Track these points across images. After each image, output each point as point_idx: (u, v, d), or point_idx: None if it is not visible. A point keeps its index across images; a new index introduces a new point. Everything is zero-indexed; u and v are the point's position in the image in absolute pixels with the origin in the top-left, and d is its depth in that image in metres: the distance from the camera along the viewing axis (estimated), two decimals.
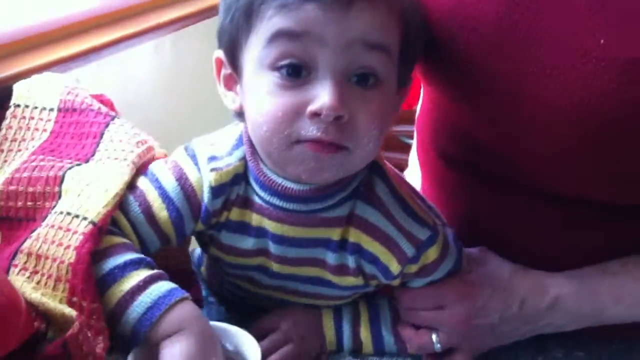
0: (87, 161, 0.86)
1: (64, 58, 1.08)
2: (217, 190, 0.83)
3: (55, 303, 0.72)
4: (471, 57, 0.84)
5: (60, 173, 0.83)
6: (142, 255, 0.79)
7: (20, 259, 0.77)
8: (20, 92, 0.95)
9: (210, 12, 1.33)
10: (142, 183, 0.84)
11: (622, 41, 0.75)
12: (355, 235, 0.83)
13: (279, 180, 0.81)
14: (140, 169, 0.86)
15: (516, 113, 0.83)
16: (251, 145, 0.82)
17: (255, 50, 0.76)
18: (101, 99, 0.97)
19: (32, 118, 0.93)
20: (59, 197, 0.82)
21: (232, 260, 0.88)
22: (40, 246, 0.77)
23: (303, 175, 0.78)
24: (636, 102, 0.74)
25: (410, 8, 0.79)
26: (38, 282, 0.75)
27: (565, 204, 0.86)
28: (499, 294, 0.88)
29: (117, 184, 0.82)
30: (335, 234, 0.83)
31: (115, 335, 0.74)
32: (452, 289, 0.88)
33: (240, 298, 0.94)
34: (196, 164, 0.84)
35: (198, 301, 0.95)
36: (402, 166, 1.20)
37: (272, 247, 0.85)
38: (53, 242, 0.77)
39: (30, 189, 0.83)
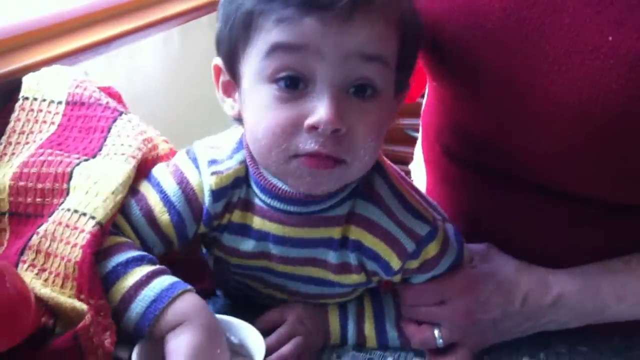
0: (94, 156, 0.87)
1: (73, 50, 1.07)
2: (217, 194, 0.84)
3: (65, 297, 0.73)
4: (478, 53, 0.84)
5: (69, 169, 0.84)
6: (144, 252, 0.80)
7: (28, 256, 0.78)
8: (29, 84, 0.96)
9: (218, 4, 1.33)
10: (144, 187, 0.85)
11: (630, 38, 0.75)
12: (355, 233, 0.84)
13: (279, 184, 0.82)
14: (144, 168, 0.87)
15: (522, 110, 0.83)
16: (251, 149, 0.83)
17: (254, 62, 0.76)
18: (109, 91, 0.97)
19: (41, 111, 0.94)
20: (67, 193, 0.82)
21: (235, 262, 0.89)
22: (49, 244, 0.78)
23: (301, 188, 0.79)
24: None
25: (408, 15, 0.79)
26: (46, 280, 0.76)
27: (569, 201, 0.86)
28: (501, 290, 0.88)
29: (123, 185, 0.83)
30: (336, 233, 0.84)
31: (121, 331, 0.75)
32: (454, 283, 0.88)
33: (246, 294, 0.95)
34: (197, 167, 0.85)
35: (210, 291, 0.96)
36: (408, 159, 1.20)
37: (274, 249, 0.85)
38: (61, 240, 0.77)
39: (40, 185, 0.83)
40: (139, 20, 1.23)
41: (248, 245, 0.86)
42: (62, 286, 0.75)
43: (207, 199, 0.84)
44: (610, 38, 0.75)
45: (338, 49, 0.73)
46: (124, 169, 0.84)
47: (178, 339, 0.74)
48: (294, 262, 0.86)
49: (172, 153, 0.93)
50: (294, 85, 0.74)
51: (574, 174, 0.83)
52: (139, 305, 0.75)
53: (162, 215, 0.83)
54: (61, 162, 0.85)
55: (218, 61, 0.82)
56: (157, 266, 0.79)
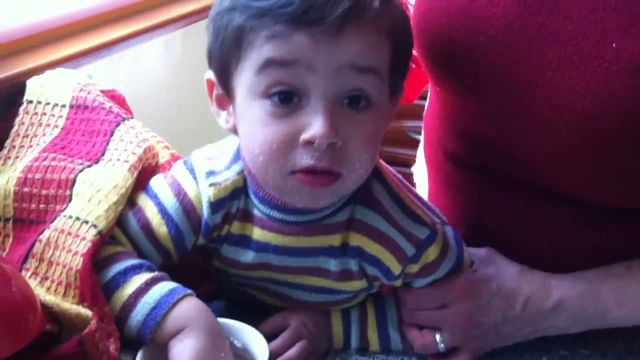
0: (97, 161, 0.87)
1: (77, 53, 1.07)
2: (216, 205, 0.83)
3: (70, 304, 0.73)
4: (480, 59, 0.84)
5: (72, 176, 0.84)
6: (143, 260, 0.80)
7: (31, 263, 0.78)
8: (33, 88, 0.96)
9: None
10: (142, 199, 0.85)
11: (634, 44, 0.75)
12: (356, 239, 0.84)
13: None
14: (143, 177, 0.87)
15: (524, 115, 0.83)
16: None
17: (246, 77, 0.76)
18: (113, 94, 0.97)
19: (44, 114, 0.94)
20: (70, 200, 0.82)
21: (235, 272, 0.89)
22: (52, 252, 0.78)
23: (299, 204, 0.80)
24: None
25: (400, 23, 0.78)
26: (49, 288, 0.76)
27: (571, 204, 0.86)
28: (502, 294, 0.88)
29: (124, 195, 0.83)
30: (336, 240, 0.84)
31: (124, 337, 0.75)
32: (455, 287, 0.88)
33: (248, 298, 0.95)
34: (195, 178, 0.84)
35: (212, 293, 0.95)
36: (410, 162, 1.20)
37: (274, 259, 0.85)
38: (63, 248, 0.78)
39: (44, 192, 0.84)
40: (141, 23, 1.23)
41: (248, 256, 0.86)
42: (64, 294, 0.75)
43: (205, 210, 0.83)
44: (614, 45, 0.75)
45: (330, 63, 0.73)
46: (126, 178, 0.84)
47: (181, 344, 0.74)
48: (295, 272, 0.86)
49: (173, 159, 0.93)
50: (287, 99, 0.74)
51: (576, 178, 0.83)
52: (139, 313, 0.75)
53: (160, 227, 0.83)
54: (64, 167, 0.85)
55: (210, 75, 0.82)
56: (156, 273, 0.79)
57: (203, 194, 0.83)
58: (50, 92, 0.95)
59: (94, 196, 0.81)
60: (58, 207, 0.82)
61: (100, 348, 0.71)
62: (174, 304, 0.76)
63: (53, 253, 0.78)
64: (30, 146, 0.91)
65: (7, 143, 0.93)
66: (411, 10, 1.06)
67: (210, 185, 0.83)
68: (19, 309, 0.68)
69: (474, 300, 0.88)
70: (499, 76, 0.84)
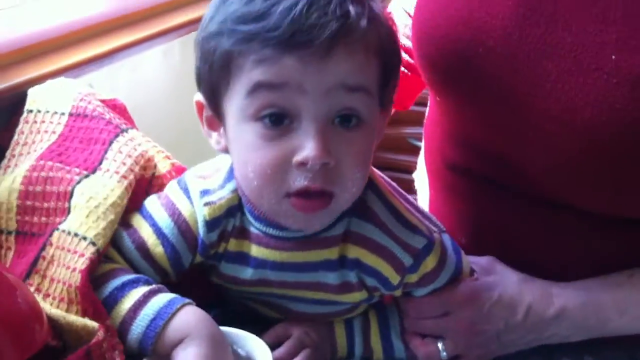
0: (94, 170, 0.86)
1: (77, 63, 1.07)
2: (211, 224, 0.83)
3: (76, 317, 0.74)
4: (479, 70, 0.84)
5: (69, 188, 0.84)
6: (140, 275, 0.80)
7: (34, 279, 0.78)
8: (34, 97, 0.96)
9: None
10: (136, 220, 0.85)
11: (634, 56, 0.75)
12: (353, 251, 0.84)
13: None
14: (138, 190, 0.87)
15: (523, 126, 0.83)
16: None
17: (236, 101, 0.75)
18: (114, 103, 0.98)
19: (43, 122, 0.93)
20: (68, 212, 0.82)
21: (236, 288, 0.89)
22: (54, 269, 0.78)
23: (293, 226, 0.80)
24: None
25: (386, 39, 0.78)
26: (51, 305, 0.76)
27: (571, 213, 0.86)
28: (504, 301, 0.88)
29: (120, 212, 0.83)
30: (332, 254, 0.84)
31: (126, 353, 0.75)
32: (456, 295, 0.88)
33: (250, 314, 0.95)
34: (189, 197, 0.84)
35: (213, 300, 0.95)
36: (411, 168, 1.20)
37: (272, 275, 0.85)
38: (63, 265, 0.78)
39: (45, 205, 0.84)
40: (140, 32, 1.23)
41: (246, 273, 0.86)
42: (67, 311, 0.75)
43: (201, 229, 0.83)
44: (614, 57, 0.75)
45: (320, 84, 0.73)
46: (122, 195, 0.84)
47: (184, 353, 0.74)
48: (295, 286, 0.86)
49: (174, 169, 0.93)
50: (278, 121, 0.74)
51: (576, 189, 0.84)
52: (139, 325, 0.75)
53: (156, 247, 0.83)
54: (62, 178, 0.85)
55: (199, 97, 0.82)
56: (154, 286, 0.79)
57: (198, 213, 0.83)
58: (50, 101, 0.95)
59: (92, 212, 0.81)
60: (57, 220, 0.82)
61: (107, 358, 0.71)
62: (174, 314, 0.76)
63: (55, 270, 0.78)
64: (29, 153, 0.91)
65: (8, 152, 0.93)
66: (408, 21, 1.07)
67: (205, 204, 0.83)
68: (24, 319, 0.68)
69: (476, 308, 0.88)
70: (498, 87, 0.84)
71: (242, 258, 0.85)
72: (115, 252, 0.83)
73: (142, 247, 0.83)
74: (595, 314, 0.87)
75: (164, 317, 0.75)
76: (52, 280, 0.77)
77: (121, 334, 0.76)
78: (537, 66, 0.80)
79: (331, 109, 0.74)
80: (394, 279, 0.84)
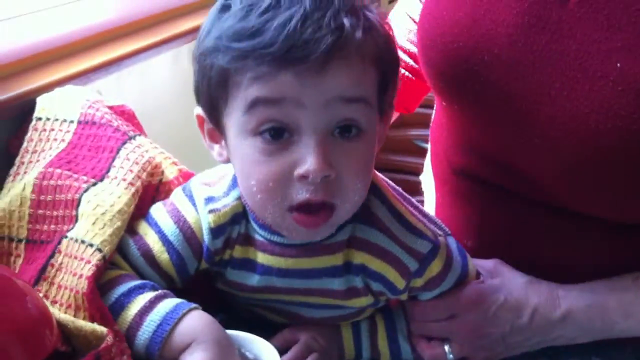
0: (102, 178, 0.87)
1: (85, 70, 1.08)
2: (216, 231, 0.84)
3: (85, 322, 0.74)
4: (485, 77, 0.84)
5: (77, 196, 0.85)
6: (146, 281, 0.81)
7: (42, 286, 0.79)
8: (43, 105, 0.96)
9: None
10: (142, 227, 0.85)
11: (639, 64, 0.75)
12: (358, 257, 0.84)
13: None
14: (145, 196, 0.88)
15: (528, 133, 0.83)
16: None
17: (236, 116, 0.76)
18: (123, 109, 0.98)
19: (52, 130, 0.94)
20: (76, 220, 0.83)
21: (242, 295, 0.90)
22: (62, 277, 0.79)
23: (296, 239, 0.81)
24: None
25: (383, 48, 0.78)
26: (59, 311, 0.77)
27: (577, 218, 0.87)
28: (510, 304, 0.89)
29: (126, 220, 0.84)
30: (337, 259, 0.84)
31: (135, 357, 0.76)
32: (462, 298, 0.89)
33: (257, 319, 0.96)
34: (194, 205, 0.85)
35: (219, 305, 0.95)
36: (418, 170, 1.21)
37: (278, 282, 0.85)
38: (69, 271, 0.78)
39: (55, 213, 0.84)
40: (149, 38, 1.24)
41: (253, 280, 0.86)
42: (74, 317, 0.76)
43: (206, 236, 0.84)
44: (619, 64, 0.75)
45: (318, 98, 0.72)
46: (129, 202, 0.85)
47: (191, 358, 0.75)
48: (301, 293, 0.87)
49: (181, 175, 0.94)
50: (278, 135, 0.74)
51: (581, 195, 0.84)
52: (145, 331, 0.76)
53: (162, 254, 0.84)
54: (70, 186, 0.86)
55: (199, 111, 0.82)
56: (160, 291, 0.79)
57: (203, 220, 0.84)
58: (59, 109, 0.96)
59: (98, 219, 0.82)
60: (65, 228, 0.83)
61: None
62: (180, 319, 0.76)
63: (62, 277, 0.78)
64: (38, 161, 0.92)
65: (17, 160, 0.93)
66: (412, 26, 1.07)
67: (210, 211, 0.84)
68: (34, 325, 0.69)
69: (481, 311, 0.88)
70: (503, 94, 0.84)
71: (248, 265, 0.86)
72: (121, 259, 0.83)
73: (147, 254, 0.84)
74: (600, 317, 0.87)
75: (171, 322, 0.76)
76: (59, 287, 0.78)
77: (128, 339, 0.76)
78: (542, 73, 0.80)
79: (330, 121, 0.74)
80: (400, 283, 0.85)
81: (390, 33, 0.80)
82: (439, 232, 0.87)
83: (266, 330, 0.87)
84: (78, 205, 0.84)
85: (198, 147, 0.91)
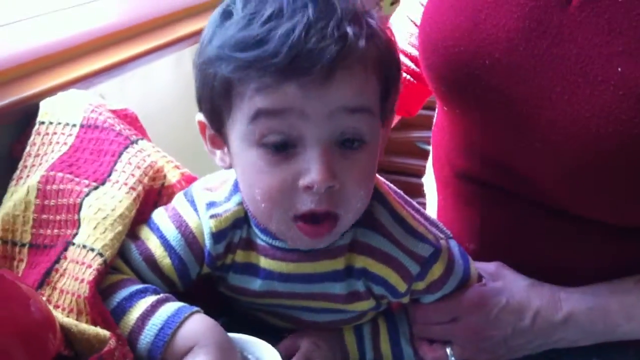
0: (103, 182, 0.87)
1: (88, 74, 1.08)
2: (217, 236, 0.84)
3: (88, 325, 0.74)
4: (486, 81, 0.84)
5: (79, 200, 0.85)
6: (147, 284, 0.81)
7: (46, 290, 0.79)
8: (46, 109, 0.97)
9: None
10: (144, 232, 0.85)
11: None
12: (360, 261, 0.84)
13: None
14: (148, 200, 0.88)
15: (529, 137, 0.83)
16: None
17: (239, 126, 0.75)
18: (125, 113, 0.99)
19: (55, 133, 0.95)
20: (79, 224, 0.84)
21: (244, 299, 0.90)
22: (64, 281, 0.79)
23: (301, 247, 0.81)
24: None
25: (385, 54, 0.77)
26: (61, 315, 0.77)
27: (579, 220, 0.87)
28: (511, 306, 0.89)
29: (127, 224, 0.84)
30: (339, 264, 0.84)
31: None
32: (464, 301, 0.89)
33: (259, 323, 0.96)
34: (195, 210, 0.85)
35: (221, 307, 0.95)
36: (420, 172, 1.21)
37: (279, 286, 0.86)
38: (73, 277, 0.79)
39: (58, 217, 0.85)
40: (151, 41, 1.24)
41: (255, 284, 0.86)
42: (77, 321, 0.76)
43: (207, 241, 0.84)
44: (620, 69, 0.75)
45: (322, 109, 0.72)
46: (130, 207, 0.85)
47: None
48: (302, 297, 0.87)
49: (184, 178, 0.94)
50: (282, 146, 0.74)
51: (582, 198, 0.84)
52: (147, 335, 0.76)
53: (163, 259, 0.84)
54: (72, 190, 0.86)
55: (201, 117, 0.82)
56: (161, 295, 0.80)
57: (204, 225, 0.84)
58: (62, 113, 0.96)
59: (99, 224, 0.82)
60: (69, 232, 0.84)
61: None
62: (182, 323, 0.76)
63: (65, 282, 0.79)
64: (41, 164, 0.92)
65: (20, 164, 0.94)
66: (414, 30, 1.07)
67: (212, 216, 0.84)
68: (38, 328, 0.69)
69: (483, 314, 0.88)
70: (504, 98, 0.84)
71: (251, 269, 0.86)
72: (123, 264, 0.84)
73: (149, 259, 0.84)
74: (602, 319, 0.87)
75: (172, 326, 0.76)
76: (61, 291, 0.78)
77: (130, 343, 0.76)
78: (543, 78, 0.80)
79: (334, 132, 0.74)
80: (401, 287, 0.85)
81: (392, 39, 0.80)
82: (441, 235, 0.87)
83: (268, 334, 0.87)
84: (80, 209, 0.84)
85: (201, 150, 0.91)
